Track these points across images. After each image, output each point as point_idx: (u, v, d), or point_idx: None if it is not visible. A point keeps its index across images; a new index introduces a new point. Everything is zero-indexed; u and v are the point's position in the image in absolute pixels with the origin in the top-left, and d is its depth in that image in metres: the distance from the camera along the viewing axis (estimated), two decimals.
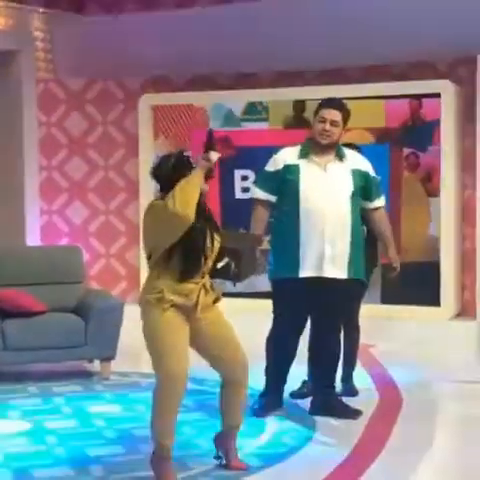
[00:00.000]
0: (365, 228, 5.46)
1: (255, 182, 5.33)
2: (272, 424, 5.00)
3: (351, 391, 5.60)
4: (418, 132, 7.00)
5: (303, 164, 5.04)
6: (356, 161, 5.11)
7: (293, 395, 5.50)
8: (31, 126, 7.97)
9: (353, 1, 7.27)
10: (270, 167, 5.14)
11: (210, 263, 4.10)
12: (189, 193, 3.89)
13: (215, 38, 7.64)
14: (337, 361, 5.22)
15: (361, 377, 5.88)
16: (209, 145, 4.05)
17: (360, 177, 5.07)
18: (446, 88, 6.89)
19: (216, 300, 4.16)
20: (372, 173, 5.15)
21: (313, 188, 5.00)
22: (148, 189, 7.28)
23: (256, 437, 4.76)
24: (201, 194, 3.98)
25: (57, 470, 4.33)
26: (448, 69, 7.07)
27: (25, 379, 6.09)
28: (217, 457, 4.32)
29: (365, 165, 5.13)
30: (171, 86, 7.86)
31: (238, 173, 7.40)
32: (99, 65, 7.99)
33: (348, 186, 5.03)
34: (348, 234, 5.03)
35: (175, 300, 4.01)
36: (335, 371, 5.22)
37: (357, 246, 5.09)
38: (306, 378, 5.49)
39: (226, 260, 4.17)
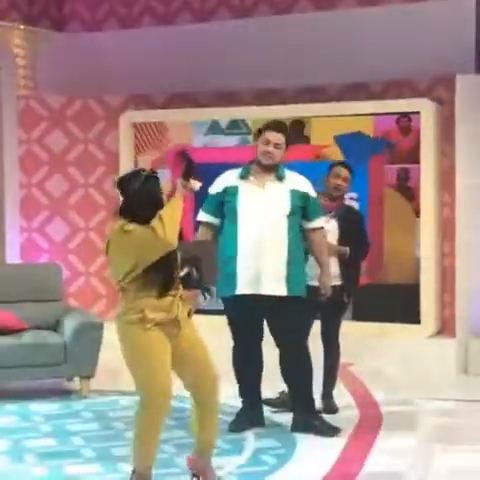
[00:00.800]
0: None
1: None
2: (252, 442, 4.98)
3: (331, 408, 5.59)
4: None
5: (241, 185, 5.14)
6: (296, 182, 5.17)
7: (267, 403, 5.48)
8: (11, 143, 7.94)
9: (334, 20, 7.32)
10: (212, 190, 5.23)
11: (178, 272, 4.10)
12: (176, 222, 3.94)
13: (196, 56, 7.66)
14: (310, 376, 5.18)
15: (341, 394, 5.88)
16: (189, 172, 4.03)
17: (299, 197, 5.12)
18: (425, 106, 6.94)
19: (189, 313, 4.14)
20: (312, 194, 5.19)
21: (250, 207, 5.08)
22: None
23: (236, 455, 4.74)
24: None
25: None
26: (427, 88, 7.12)
27: (3, 397, 6.04)
28: (194, 476, 4.27)
29: (305, 186, 5.18)
30: (152, 104, 7.87)
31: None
32: (80, 82, 7.99)
33: (285, 205, 5.09)
34: (285, 252, 5.07)
35: (157, 318, 3.99)
36: (310, 387, 5.19)
37: (295, 264, 5.11)
38: (285, 390, 5.47)
39: (186, 270, 4.15)
